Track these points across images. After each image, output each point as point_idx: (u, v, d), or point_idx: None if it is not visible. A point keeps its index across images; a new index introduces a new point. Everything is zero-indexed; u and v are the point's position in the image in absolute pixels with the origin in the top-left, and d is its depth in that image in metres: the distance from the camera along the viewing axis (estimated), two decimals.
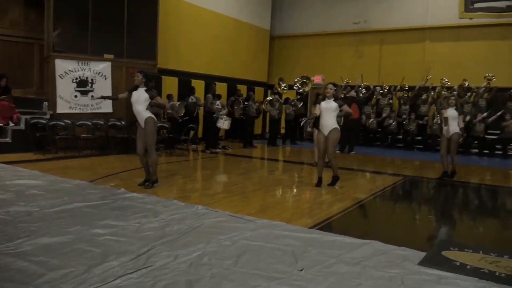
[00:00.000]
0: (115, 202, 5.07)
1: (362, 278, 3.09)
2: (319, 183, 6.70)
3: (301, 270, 3.17)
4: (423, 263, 3.44)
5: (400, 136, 13.74)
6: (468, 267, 3.38)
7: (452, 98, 8.11)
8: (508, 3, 9.42)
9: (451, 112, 7.80)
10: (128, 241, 3.67)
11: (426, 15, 14.17)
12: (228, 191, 6.42)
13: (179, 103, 9.88)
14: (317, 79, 15.05)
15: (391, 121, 13.70)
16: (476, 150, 12.66)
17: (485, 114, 12.07)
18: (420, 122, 13.36)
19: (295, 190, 6.75)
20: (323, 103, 6.49)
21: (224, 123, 10.88)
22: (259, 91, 15.58)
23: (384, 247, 3.76)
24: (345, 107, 6.52)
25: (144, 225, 4.15)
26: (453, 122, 7.74)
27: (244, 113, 12.40)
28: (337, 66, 15.36)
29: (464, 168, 9.59)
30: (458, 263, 3.45)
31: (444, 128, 7.87)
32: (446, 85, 13.24)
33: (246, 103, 12.59)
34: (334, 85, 6.69)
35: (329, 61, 15.71)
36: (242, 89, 13.89)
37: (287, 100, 13.89)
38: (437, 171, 8.63)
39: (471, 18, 10.59)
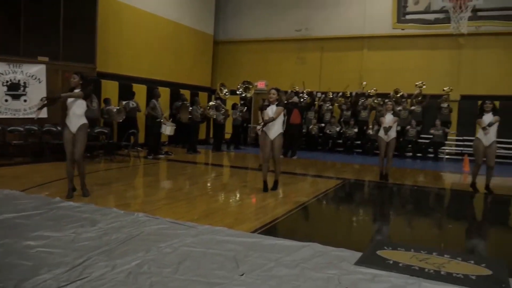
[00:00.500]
0: (50, 212, 4.83)
1: (301, 280, 3.16)
2: (265, 188, 6.77)
3: (242, 275, 3.19)
4: (359, 263, 3.58)
5: (341, 141, 14.20)
6: (400, 265, 3.56)
7: (389, 103, 8.54)
8: (436, 15, 10.11)
9: (389, 118, 8.22)
10: (62, 253, 3.51)
11: (363, 24, 14.81)
12: (170, 197, 6.32)
13: (117, 108, 9.61)
14: (261, 84, 15.24)
15: (334, 127, 14.13)
16: (410, 154, 13.37)
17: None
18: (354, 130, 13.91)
19: (239, 195, 6.77)
20: (268, 109, 6.59)
21: (167, 129, 10.69)
22: (202, 96, 15.51)
23: (323, 248, 3.87)
24: (278, 110, 6.52)
25: (80, 235, 3.99)
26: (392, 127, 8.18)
27: (189, 117, 12.29)
28: (280, 72, 15.68)
29: (399, 171, 10.10)
30: (391, 262, 3.62)
31: (385, 134, 8.29)
32: (375, 93, 13.96)
33: (191, 108, 12.49)
34: (277, 90, 6.82)
35: (272, 67, 15.98)
36: (186, 94, 13.78)
37: (234, 106, 13.97)
38: (375, 174, 9.01)
39: (403, 29, 11.26)
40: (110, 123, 10.76)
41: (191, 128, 12.28)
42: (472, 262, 3.71)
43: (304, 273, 3.30)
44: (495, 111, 7.41)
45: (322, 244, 3.95)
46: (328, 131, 14.24)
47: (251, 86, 12.87)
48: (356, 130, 13.94)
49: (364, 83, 14.21)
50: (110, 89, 11.76)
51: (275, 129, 6.56)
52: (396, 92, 13.59)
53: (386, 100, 9.44)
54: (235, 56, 16.93)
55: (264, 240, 4.09)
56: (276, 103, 6.57)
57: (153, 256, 3.51)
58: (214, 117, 12.77)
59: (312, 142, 14.56)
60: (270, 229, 4.67)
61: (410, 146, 13.35)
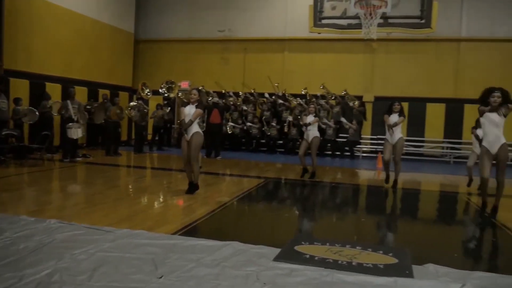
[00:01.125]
0: None
1: (221, 279, 3.19)
2: (189, 190, 6.67)
3: (160, 277, 3.15)
4: (277, 258, 3.69)
5: (264, 141, 14.48)
6: (316, 258, 3.72)
7: (312, 106, 8.93)
8: (349, 21, 10.72)
9: (310, 119, 8.58)
10: None
11: (284, 27, 15.24)
12: (88, 201, 6.05)
13: (27, 108, 8.97)
14: (184, 84, 15.05)
15: (255, 127, 14.38)
16: (329, 152, 13.99)
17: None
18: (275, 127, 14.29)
19: (161, 197, 6.66)
20: (186, 108, 6.53)
21: (74, 132, 10.02)
22: (123, 95, 15.00)
23: (244, 247, 3.93)
24: (196, 112, 6.46)
25: None
26: (313, 127, 8.54)
27: (104, 119, 11.81)
28: (204, 72, 15.63)
29: (319, 168, 10.51)
30: (307, 256, 3.78)
31: (306, 132, 8.63)
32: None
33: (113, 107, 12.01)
34: (198, 90, 6.81)
35: (196, 67, 15.87)
36: (106, 93, 13.23)
37: (159, 106, 13.71)
38: (297, 172, 9.31)
39: (319, 33, 11.77)
40: (21, 124, 10.04)
41: (108, 129, 11.81)
42: (381, 252, 3.98)
43: (224, 271, 3.33)
44: (401, 112, 8.00)
45: (242, 243, 4.01)
46: (251, 131, 14.47)
47: (174, 86, 12.67)
48: (276, 129, 14.31)
49: (276, 84, 14.64)
50: (21, 88, 10.96)
51: (191, 129, 6.49)
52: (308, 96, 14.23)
53: (310, 103, 9.83)
54: (158, 55, 16.57)
55: (185, 241, 4.07)
56: (196, 104, 6.53)
57: (66, 264, 3.35)
58: (135, 119, 12.40)
59: (236, 143, 14.69)
60: (191, 230, 4.65)
61: (329, 145, 13.95)
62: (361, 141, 14.29)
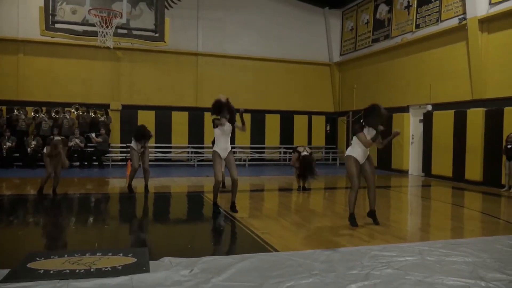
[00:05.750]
0: None
1: None
2: None
3: None
4: (6, 279, 3.37)
5: None
6: (51, 271, 3.56)
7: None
8: (85, 28, 10.53)
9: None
10: None
11: (17, 27, 13.69)
12: None
13: None
14: None
15: None
16: (78, 163, 13.31)
17: None
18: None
19: None
20: None
21: None
22: None
23: None
24: None
25: None
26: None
27: None
28: None
29: (66, 180, 9.88)
30: (42, 271, 3.57)
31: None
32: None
33: None
34: None
35: None
36: None
37: None
38: (36, 186, 8.51)
39: (52, 37, 11.14)
40: None
41: None
42: (121, 254, 4.11)
43: None
44: None
45: None
46: None
47: None
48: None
49: None
50: None
51: None
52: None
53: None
54: None
55: None
56: None
57: None
58: None
59: None
60: None
61: (76, 155, 13.26)
62: (110, 150, 14.14)
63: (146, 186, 8.51)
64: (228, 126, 6.49)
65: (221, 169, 6.74)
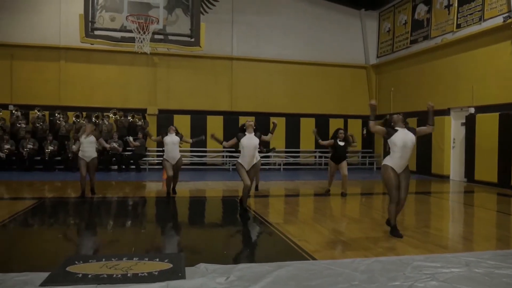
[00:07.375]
0: None
1: None
2: None
3: None
4: (45, 283, 3.41)
5: (39, 158, 13.11)
6: (90, 276, 3.59)
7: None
8: (123, 34, 10.73)
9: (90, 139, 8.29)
10: None
11: (59, 34, 14.16)
12: None
13: None
14: None
15: (30, 144, 12.90)
16: (116, 167, 13.60)
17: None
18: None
19: None
20: None
21: None
22: None
23: (3, 276, 3.50)
24: None
25: None
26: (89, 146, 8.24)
27: None
28: None
29: (103, 184, 10.11)
30: (80, 275, 3.60)
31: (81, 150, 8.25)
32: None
33: None
34: None
35: None
36: None
37: None
38: (77, 189, 8.72)
39: (92, 44, 11.42)
40: None
41: None
42: (157, 260, 4.10)
43: None
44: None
45: (3, 273, 3.57)
46: (22, 149, 12.89)
47: None
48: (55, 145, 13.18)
49: None
50: None
51: None
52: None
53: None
54: None
55: None
56: None
57: None
58: None
59: (5, 162, 12.86)
60: None
61: (114, 159, 13.55)
62: (147, 153, 14.37)
63: (173, 188, 8.85)
64: (254, 140, 7.22)
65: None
